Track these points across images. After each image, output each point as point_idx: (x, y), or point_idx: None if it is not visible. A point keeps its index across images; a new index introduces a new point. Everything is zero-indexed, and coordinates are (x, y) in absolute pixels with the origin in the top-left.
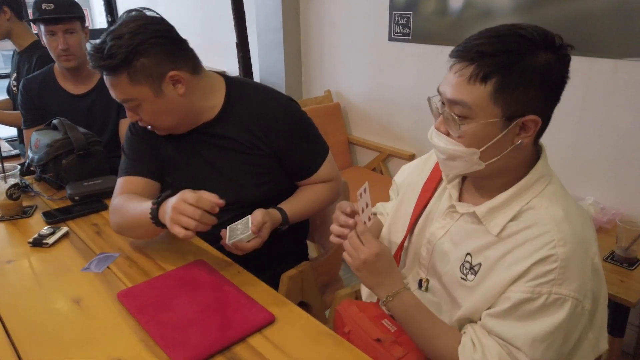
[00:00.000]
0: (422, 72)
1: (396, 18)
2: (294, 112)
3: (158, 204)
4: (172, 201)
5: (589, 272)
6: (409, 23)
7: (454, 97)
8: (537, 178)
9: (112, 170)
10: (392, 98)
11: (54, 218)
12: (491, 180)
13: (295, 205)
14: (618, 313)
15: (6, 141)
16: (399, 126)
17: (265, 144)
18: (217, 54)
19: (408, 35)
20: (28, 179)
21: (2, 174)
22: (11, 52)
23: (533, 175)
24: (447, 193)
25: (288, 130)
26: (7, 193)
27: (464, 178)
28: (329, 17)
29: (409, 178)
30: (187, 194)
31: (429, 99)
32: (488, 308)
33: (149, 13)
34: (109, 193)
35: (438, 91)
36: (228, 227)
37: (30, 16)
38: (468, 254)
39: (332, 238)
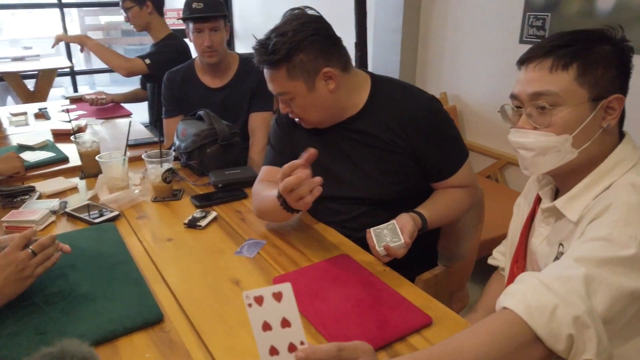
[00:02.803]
0: None
1: (530, 19)
2: (437, 111)
3: None
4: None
5: None
6: (544, 25)
7: (539, 90)
8: (619, 160)
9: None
10: None
11: (202, 202)
12: (582, 174)
13: (435, 211)
14: None
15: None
16: None
17: (405, 142)
18: None
19: (543, 37)
20: (174, 165)
21: (160, 159)
22: (134, 47)
23: (611, 159)
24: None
25: (429, 128)
26: (162, 177)
27: (557, 189)
28: (454, 17)
29: (522, 198)
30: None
31: (502, 108)
32: None
33: (310, 12)
34: (248, 182)
35: (511, 96)
36: (372, 231)
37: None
38: (560, 244)
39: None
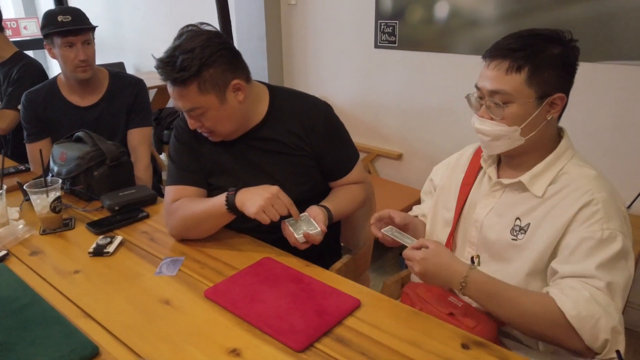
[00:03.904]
0: (408, 77)
1: (382, 27)
2: (332, 117)
3: (235, 192)
4: (257, 192)
5: (622, 216)
6: (394, 31)
7: (495, 88)
8: (565, 149)
9: None
10: (379, 101)
11: (101, 228)
12: (525, 156)
13: (338, 204)
14: None
15: None
16: (387, 128)
17: (307, 145)
18: None
19: (394, 42)
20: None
21: (45, 188)
22: None
23: (562, 147)
24: (486, 178)
25: (327, 132)
26: (51, 206)
27: (499, 163)
28: (313, 25)
29: (442, 181)
30: (281, 192)
31: (467, 96)
32: (549, 261)
33: (207, 27)
34: (146, 201)
35: (476, 87)
36: (287, 222)
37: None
38: (517, 218)
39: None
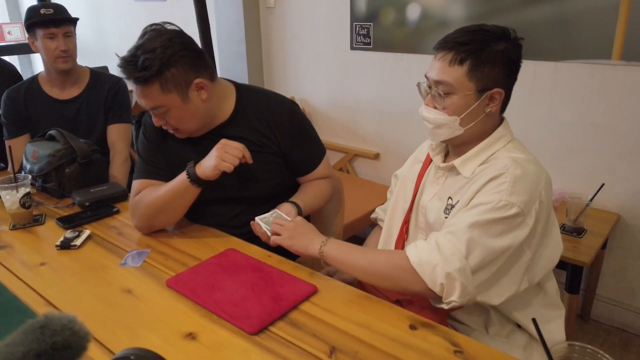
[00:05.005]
0: (383, 78)
1: (357, 29)
2: (297, 114)
3: (194, 165)
4: (210, 154)
5: (536, 197)
6: (369, 33)
7: (439, 78)
8: (500, 136)
9: None
10: (355, 102)
11: (71, 223)
12: (467, 146)
13: (306, 200)
14: (574, 273)
15: None
16: (363, 128)
17: (273, 142)
18: None
19: (369, 44)
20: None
21: (14, 184)
22: None
23: (496, 134)
24: (433, 165)
25: (292, 129)
26: (20, 202)
27: (447, 153)
28: (291, 29)
29: (404, 172)
30: (228, 141)
31: (418, 84)
32: None
33: (170, 27)
34: (116, 198)
35: (425, 76)
36: (259, 220)
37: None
38: (449, 197)
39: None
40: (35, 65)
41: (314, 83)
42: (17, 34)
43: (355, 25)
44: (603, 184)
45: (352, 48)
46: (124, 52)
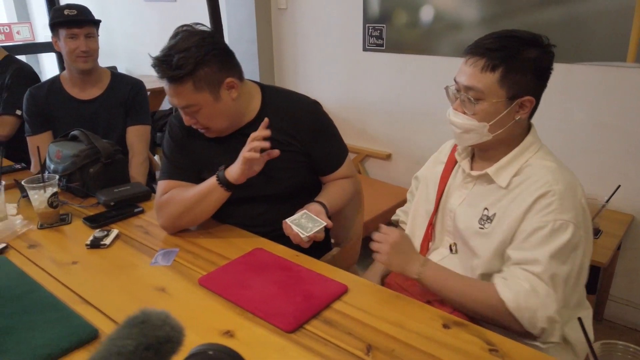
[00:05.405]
0: (395, 79)
1: (370, 30)
2: (320, 114)
3: (224, 169)
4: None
5: (579, 207)
6: (382, 34)
7: (469, 84)
8: (530, 143)
9: None
10: (367, 103)
11: (98, 222)
12: (495, 150)
13: (331, 199)
14: (591, 274)
15: None
16: (374, 129)
17: (297, 141)
18: None
19: (382, 45)
20: None
21: (42, 184)
22: None
23: (527, 141)
24: (460, 169)
25: (315, 129)
26: (48, 202)
27: (472, 155)
28: (302, 30)
29: (426, 173)
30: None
31: (446, 88)
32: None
33: (201, 28)
34: (140, 197)
35: (455, 80)
36: (289, 222)
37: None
38: (485, 208)
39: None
40: (42, 65)
41: (325, 84)
42: (25, 34)
43: (368, 26)
44: (619, 186)
45: (364, 49)
46: (155, 53)
